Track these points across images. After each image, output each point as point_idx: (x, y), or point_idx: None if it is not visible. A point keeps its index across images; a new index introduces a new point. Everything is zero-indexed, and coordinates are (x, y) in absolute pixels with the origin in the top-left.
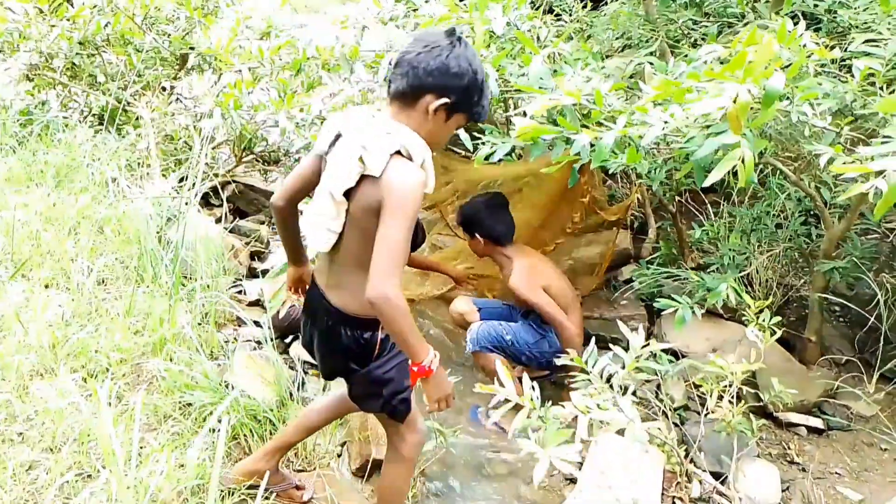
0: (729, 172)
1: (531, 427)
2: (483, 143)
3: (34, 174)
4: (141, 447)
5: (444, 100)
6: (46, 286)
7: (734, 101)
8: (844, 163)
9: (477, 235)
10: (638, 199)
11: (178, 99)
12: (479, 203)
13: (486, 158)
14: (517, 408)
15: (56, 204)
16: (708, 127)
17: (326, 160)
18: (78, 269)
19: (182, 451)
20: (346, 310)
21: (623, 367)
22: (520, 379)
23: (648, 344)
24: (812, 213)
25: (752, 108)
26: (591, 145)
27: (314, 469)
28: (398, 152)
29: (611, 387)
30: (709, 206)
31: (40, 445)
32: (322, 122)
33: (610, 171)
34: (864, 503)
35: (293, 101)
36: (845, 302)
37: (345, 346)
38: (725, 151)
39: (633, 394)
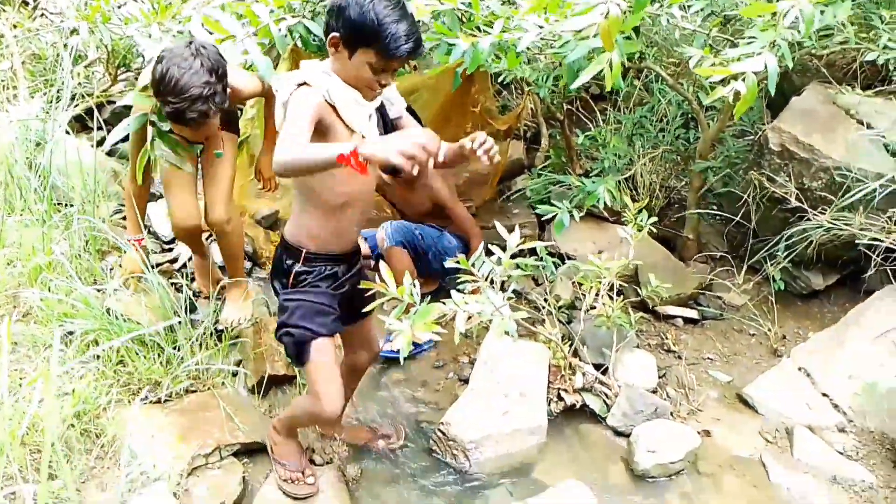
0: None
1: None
2: None
3: None
4: (21, 378)
5: (334, 34)
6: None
7: (605, 17)
8: (712, 65)
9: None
10: (532, 109)
11: (42, 14)
12: None
13: None
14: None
15: None
16: (580, 31)
17: None
18: None
19: (67, 379)
20: (284, 234)
21: (500, 264)
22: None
23: (524, 241)
24: (691, 116)
25: (624, 14)
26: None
27: (208, 389)
28: (304, 83)
29: (491, 284)
30: (598, 113)
31: None
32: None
33: (503, 81)
34: (733, 383)
35: (167, 12)
36: (718, 202)
37: (275, 267)
38: (596, 55)
39: (514, 291)
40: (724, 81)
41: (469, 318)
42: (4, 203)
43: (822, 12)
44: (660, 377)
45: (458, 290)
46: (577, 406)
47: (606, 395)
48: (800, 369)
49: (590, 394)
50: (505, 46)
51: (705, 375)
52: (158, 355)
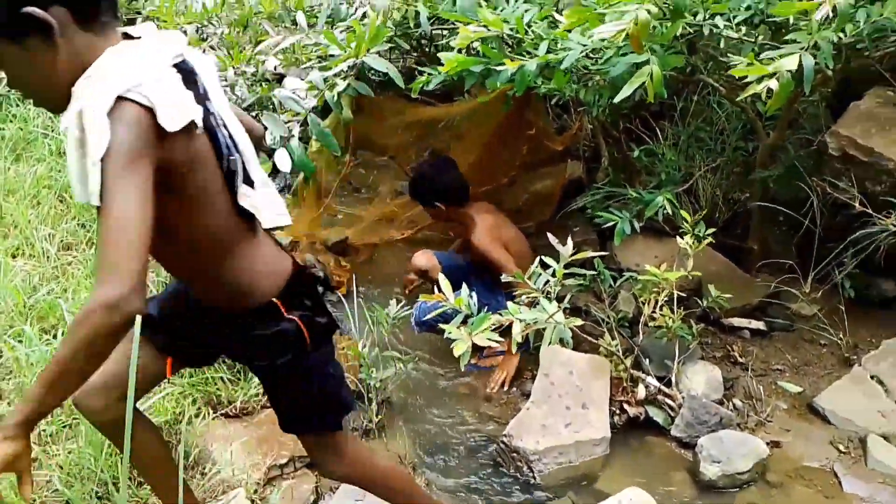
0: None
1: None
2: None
3: None
4: None
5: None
6: (13, 256)
7: (635, 23)
8: (749, 65)
9: (436, 203)
10: (591, 128)
11: None
12: (426, 169)
13: (422, 90)
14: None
15: (15, 176)
16: (621, 48)
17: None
18: (41, 236)
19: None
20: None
21: (553, 276)
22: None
23: (577, 252)
24: (750, 127)
25: (662, 25)
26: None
27: None
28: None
29: (546, 296)
30: (657, 130)
31: (18, 400)
32: (277, 79)
33: (558, 102)
34: (803, 394)
35: (241, 57)
36: (782, 208)
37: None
38: (638, 69)
39: (576, 308)
40: (759, 81)
41: (525, 327)
42: (97, 237)
43: (855, 9)
44: (726, 389)
45: (515, 303)
46: (641, 418)
47: (670, 406)
48: (872, 377)
49: (653, 406)
50: (552, 67)
51: (774, 387)
52: (236, 373)
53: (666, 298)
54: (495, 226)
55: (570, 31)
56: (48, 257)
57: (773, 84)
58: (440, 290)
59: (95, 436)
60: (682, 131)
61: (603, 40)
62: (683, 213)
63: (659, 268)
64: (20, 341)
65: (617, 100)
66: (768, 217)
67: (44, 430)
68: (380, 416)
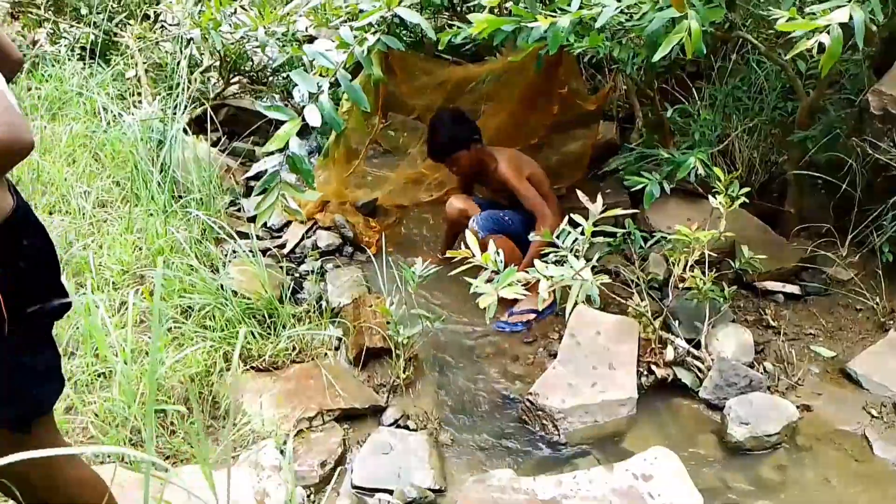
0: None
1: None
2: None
3: (28, 108)
4: (146, 346)
5: None
6: (50, 212)
7: None
8: (789, 20)
9: (461, 151)
10: (625, 88)
11: (162, 26)
12: (436, 123)
13: (450, 46)
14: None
15: (51, 135)
16: (657, 2)
17: None
18: (77, 193)
19: (185, 348)
20: None
21: (582, 234)
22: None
23: (606, 209)
24: (790, 86)
25: None
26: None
27: (311, 360)
28: None
29: (575, 254)
30: (693, 90)
31: None
32: (308, 40)
33: (590, 61)
34: (837, 359)
35: (272, 16)
36: (819, 174)
37: None
38: (675, 25)
39: (606, 270)
40: (808, 36)
41: (551, 284)
42: (131, 195)
43: None
44: (757, 352)
45: (542, 260)
46: (669, 380)
47: (699, 368)
48: None
49: (681, 367)
50: (586, 24)
51: (807, 351)
52: (266, 328)
53: (697, 259)
54: (515, 156)
55: None
56: (83, 214)
57: (825, 39)
58: (466, 246)
59: (129, 385)
60: (719, 91)
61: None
62: (717, 170)
63: (691, 229)
64: None
65: (655, 59)
66: (806, 180)
67: (79, 379)
68: (407, 373)
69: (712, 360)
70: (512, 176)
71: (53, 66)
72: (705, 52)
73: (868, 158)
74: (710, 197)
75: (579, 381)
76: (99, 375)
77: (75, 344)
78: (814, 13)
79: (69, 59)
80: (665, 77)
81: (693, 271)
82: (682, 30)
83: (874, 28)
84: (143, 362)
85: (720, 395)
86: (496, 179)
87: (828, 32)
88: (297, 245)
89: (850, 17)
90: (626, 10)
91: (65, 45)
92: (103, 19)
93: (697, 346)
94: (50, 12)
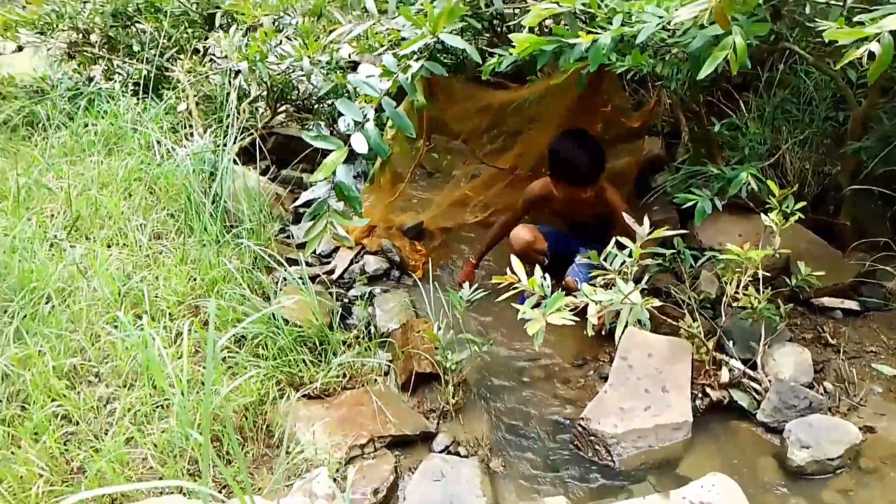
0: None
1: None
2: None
3: (85, 144)
4: (201, 375)
5: None
6: (108, 245)
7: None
8: (838, 29)
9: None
10: (669, 103)
11: (211, 59)
12: (589, 139)
13: (493, 71)
14: None
15: (108, 170)
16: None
17: None
18: (134, 226)
19: (238, 375)
20: None
21: (630, 256)
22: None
23: (653, 229)
24: (841, 96)
25: None
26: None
27: (361, 386)
28: None
29: (623, 277)
30: (740, 103)
31: (114, 383)
32: (352, 67)
33: (634, 77)
34: None
35: (315, 46)
36: (876, 184)
37: None
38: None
39: (656, 289)
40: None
41: (600, 309)
42: (185, 226)
43: None
44: (816, 372)
45: (591, 285)
46: (724, 402)
47: (755, 390)
48: None
49: (737, 389)
50: (628, 42)
51: (868, 369)
52: (317, 355)
53: (750, 278)
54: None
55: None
56: (140, 246)
57: (875, 47)
58: (513, 272)
59: (186, 416)
60: (767, 103)
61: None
62: (771, 184)
63: (743, 246)
64: (115, 327)
65: (699, 77)
66: (861, 191)
67: (139, 411)
68: (456, 398)
69: (769, 381)
70: (620, 201)
71: (108, 102)
72: (750, 65)
73: None
74: (762, 215)
75: (632, 404)
76: (157, 407)
77: (134, 376)
78: (862, 22)
79: (123, 95)
80: (710, 90)
81: (747, 290)
82: (726, 46)
83: None
84: (199, 392)
85: (779, 417)
86: (594, 204)
87: (878, 41)
88: (345, 270)
89: None
90: (667, 27)
91: (119, 82)
92: (155, 55)
93: (753, 366)
94: (104, 50)
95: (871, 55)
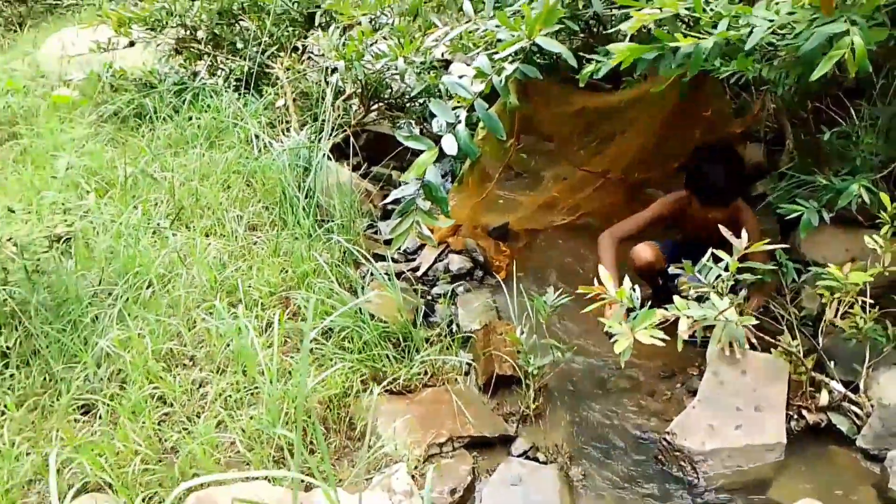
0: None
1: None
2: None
3: (189, 137)
4: (290, 367)
5: None
6: (206, 234)
7: None
8: None
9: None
10: (774, 108)
11: (309, 57)
12: (733, 156)
13: (591, 76)
14: None
15: (209, 162)
16: (815, 19)
17: None
18: (231, 218)
19: (325, 369)
20: None
21: (726, 269)
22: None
23: (750, 245)
24: None
25: None
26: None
27: (443, 384)
28: None
29: (717, 291)
30: (851, 110)
31: (207, 368)
32: (444, 66)
33: (737, 81)
34: None
35: (410, 46)
36: None
37: None
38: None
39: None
40: None
41: (692, 324)
42: (279, 219)
43: None
44: None
45: (682, 296)
46: (822, 425)
47: (856, 414)
48: None
49: (836, 413)
50: (734, 46)
51: None
52: (400, 350)
53: (854, 298)
54: None
55: (752, 3)
56: (236, 237)
57: None
58: (600, 282)
59: (274, 404)
60: (882, 111)
61: (792, 13)
62: (884, 197)
63: (851, 262)
64: (211, 314)
65: (813, 78)
66: None
67: (230, 396)
68: (537, 403)
69: (872, 405)
70: (755, 228)
71: (211, 97)
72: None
73: None
74: (865, 235)
75: (722, 422)
76: (248, 393)
77: (226, 362)
78: None
79: (226, 91)
80: (819, 96)
81: (852, 308)
82: (843, 46)
83: None
84: (286, 382)
85: (881, 445)
86: (727, 225)
87: None
88: (429, 268)
89: None
90: (777, 31)
91: (222, 77)
92: (256, 52)
93: (855, 389)
94: (209, 47)
95: None
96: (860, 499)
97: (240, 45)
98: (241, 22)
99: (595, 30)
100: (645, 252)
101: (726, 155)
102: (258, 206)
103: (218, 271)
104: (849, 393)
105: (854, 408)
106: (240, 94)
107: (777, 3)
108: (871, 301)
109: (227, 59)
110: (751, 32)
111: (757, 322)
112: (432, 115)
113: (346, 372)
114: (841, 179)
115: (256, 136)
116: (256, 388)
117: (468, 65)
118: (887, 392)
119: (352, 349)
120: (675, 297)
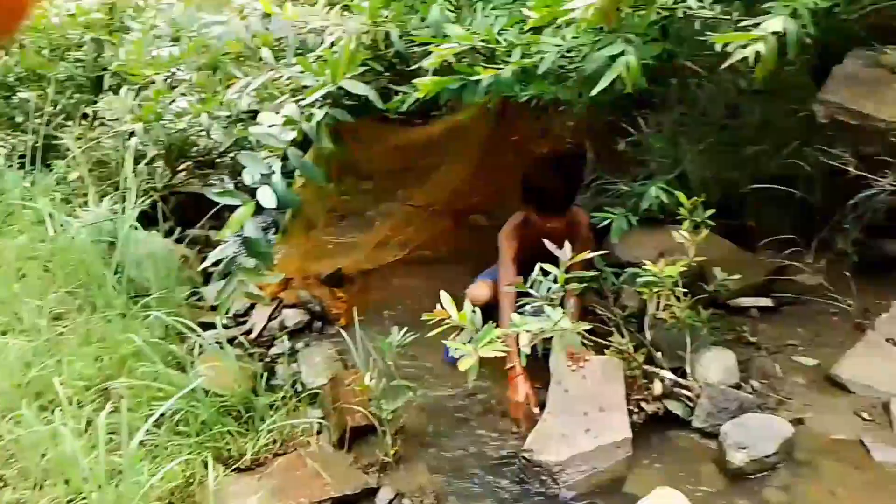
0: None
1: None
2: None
3: None
4: (118, 465)
5: None
6: (3, 333)
7: None
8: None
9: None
10: (573, 125)
11: (102, 123)
12: (567, 162)
13: (399, 112)
14: None
15: None
16: (597, 41)
17: None
18: (30, 310)
19: (160, 460)
20: None
21: (555, 282)
22: None
23: (574, 257)
24: (735, 105)
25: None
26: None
27: (294, 450)
28: None
29: (549, 303)
30: (641, 120)
31: (22, 486)
32: (250, 117)
33: (537, 104)
34: (820, 367)
35: (213, 101)
36: (775, 185)
37: None
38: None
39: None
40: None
41: (532, 337)
42: (86, 303)
43: None
44: (741, 371)
45: (520, 314)
46: (660, 413)
47: (688, 398)
48: (887, 340)
49: (671, 399)
50: (529, 72)
51: (790, 363)
52: (243, 423)
53: (670, 291)
54: None
55: (541, 32)
56: (39, 330)
57: (761, 47)
58: (443, 308)
59: None
60: (665, 117)
61: (576, 37)
62: (681, 196)
63: (661, 257)
64: (18, 423)
65: (593, 93)
66: (763, 193)
67: None
68: (395, 448)
69: (700, 386)
70: (588, 235)
71: None
72: (647, 84)
73: (822, 165)
74: (673, 231)
75: (572, 429)
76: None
77: (44, 475)
78: (747, 27)
79: (8, 169)
80: (611, 110)
81: (669, 300)
82: (620, 65)
83: (807, 40)
84: (118, 484)
85: (713, 421)
86: (566, 234)
87: (763, 43)
88: (263, 328)
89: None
90: (566, 55)
91: (2, 156)
92: (40, 124)
93: (683, 374)
94: None
95: (758, 57)
96: (704, 476)
97: (20, 119)
98: (18, 93)
99: (400, 68)
100: (480, 291)
101: (558, 163)
102: (61, 291)
103: (21, 373)
104: (678, 379)
105: (685, 391)
106: (26, 172)
107: (560, 29)
108: (684, 290)
109: (8, 134)
110: (542, 59)
111: (589, 327)
112: (244, 168)
113: (187, 458)
114: (640, 184)
115: (50, 216)
116: (84, 498)
117: (277, 113)
118: (709, 372)
119: (188, 433)
120: (513, 314)
